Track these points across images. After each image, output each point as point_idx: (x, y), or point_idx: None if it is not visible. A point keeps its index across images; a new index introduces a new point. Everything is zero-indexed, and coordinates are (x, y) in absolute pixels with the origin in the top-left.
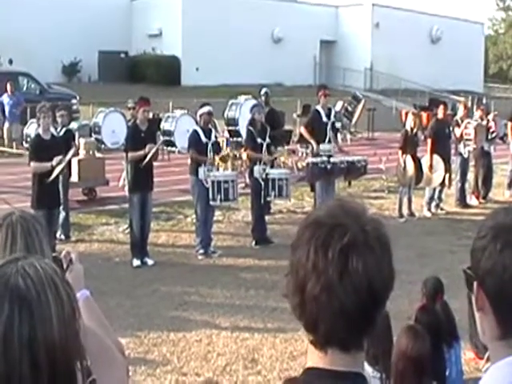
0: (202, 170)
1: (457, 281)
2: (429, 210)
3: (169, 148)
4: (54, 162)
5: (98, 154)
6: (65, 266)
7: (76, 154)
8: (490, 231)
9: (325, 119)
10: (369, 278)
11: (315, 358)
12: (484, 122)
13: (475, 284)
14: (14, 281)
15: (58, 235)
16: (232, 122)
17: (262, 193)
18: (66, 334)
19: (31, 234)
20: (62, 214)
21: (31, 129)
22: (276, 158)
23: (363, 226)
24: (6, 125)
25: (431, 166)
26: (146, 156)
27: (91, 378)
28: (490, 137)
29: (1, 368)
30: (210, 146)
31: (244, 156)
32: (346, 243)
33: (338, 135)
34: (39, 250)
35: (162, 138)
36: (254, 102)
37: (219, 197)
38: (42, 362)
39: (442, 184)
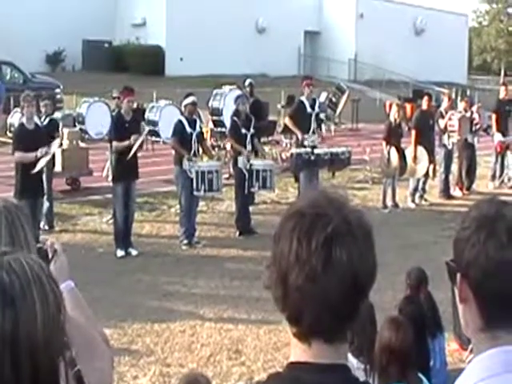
0: (186, 161)
1: (441, 272)
2: (413, 201)
3: (153, 138)
4: (39, 153)
5: (81, 144)
6: (50, 256)
7: (60, 144)
8: (473, 222)
9: (309, 110)
10: (353, 268)
11: (298, 352)
12: (468, 114)
13: (458, 275)
14: None
15: (41, 225)
16: (216, 112)
17: (246, 183)
18: (51, 331)
19: (16, 225)
20: (46, 204)
21: (15, 118)
22: (258, 154)
23: (346, 215)
24: None
25: (415, 157)
26: (131, 147)
27: (76, 368)
28: (473, 128)
29: None
30: (194, 136)
31: (228, 146)
32: (330, 233)
33: (322, 126)
34: (24, 241)
35: (146, 128)
36: (238, 92)
37: (203, 187)
38: (24, 359)
39: (426, 175)
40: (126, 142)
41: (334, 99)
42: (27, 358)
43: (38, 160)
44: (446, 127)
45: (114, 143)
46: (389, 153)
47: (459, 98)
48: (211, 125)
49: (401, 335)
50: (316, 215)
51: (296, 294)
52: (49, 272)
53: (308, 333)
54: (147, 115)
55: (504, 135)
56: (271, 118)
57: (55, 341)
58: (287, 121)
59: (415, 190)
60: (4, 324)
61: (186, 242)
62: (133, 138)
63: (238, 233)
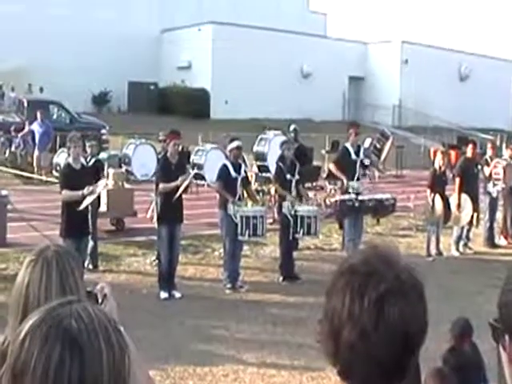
0: (230, 205)
1: (485, 322)
2: (457, 249)
3: (198, 181)
4: (86, 191)
5: (126, 185)
6: (99, 300)
7: (106, 184)
8: None
9: (354, 157)
10: (404, 326)
11: None
12: None
13: (507, 337)
14: (66, 323)
15: (85, 264)
16: (261, 156)
17: (291, 229)
18: (115, 381)
19: (66, 270)
20: (91, 244)
21: (61, 158)
22: (303, 200)
23: (398, 273)
24: (36, 152)
25: (459, 205)
26: (177, 188)
27: None
28: None
29: None
30: (239, 180)
31: (272, 191)
32: (382, 291)
33: (367, 172)
34: (74, 286)
35: (192, 171)
36: (283, 138)
37: (248, 232)
38: None
39: (470, 223)
40: (173, 184)
41: (378, 145)
42: None
43: (83, 198)
44: (490, 175)
45: (160, 185)
46: (433, 200)
47: (504, 144)
48: (255, 169)
49: None
50: (368, 273)
51: (348, 350)
52: (115, 323)
53: None
54: (193, 158)
55: None
56: (315, 163)
57: None
58: (332, 167)
59: (459, 238)
60: (71, 372)
61: (229, 285)
62: (180, 179)
63: (281, 278)
